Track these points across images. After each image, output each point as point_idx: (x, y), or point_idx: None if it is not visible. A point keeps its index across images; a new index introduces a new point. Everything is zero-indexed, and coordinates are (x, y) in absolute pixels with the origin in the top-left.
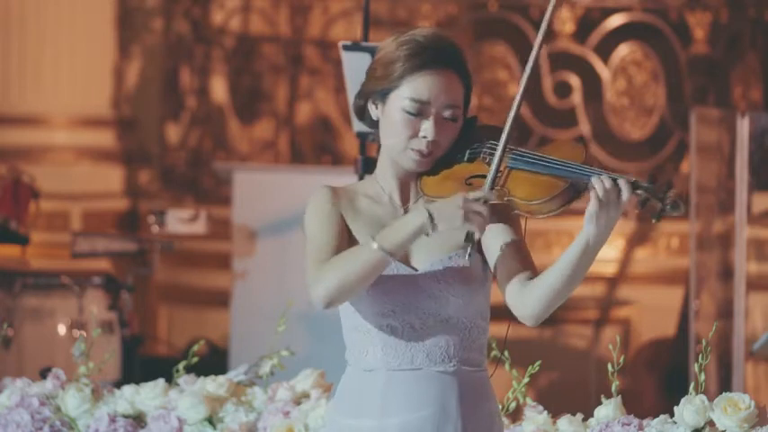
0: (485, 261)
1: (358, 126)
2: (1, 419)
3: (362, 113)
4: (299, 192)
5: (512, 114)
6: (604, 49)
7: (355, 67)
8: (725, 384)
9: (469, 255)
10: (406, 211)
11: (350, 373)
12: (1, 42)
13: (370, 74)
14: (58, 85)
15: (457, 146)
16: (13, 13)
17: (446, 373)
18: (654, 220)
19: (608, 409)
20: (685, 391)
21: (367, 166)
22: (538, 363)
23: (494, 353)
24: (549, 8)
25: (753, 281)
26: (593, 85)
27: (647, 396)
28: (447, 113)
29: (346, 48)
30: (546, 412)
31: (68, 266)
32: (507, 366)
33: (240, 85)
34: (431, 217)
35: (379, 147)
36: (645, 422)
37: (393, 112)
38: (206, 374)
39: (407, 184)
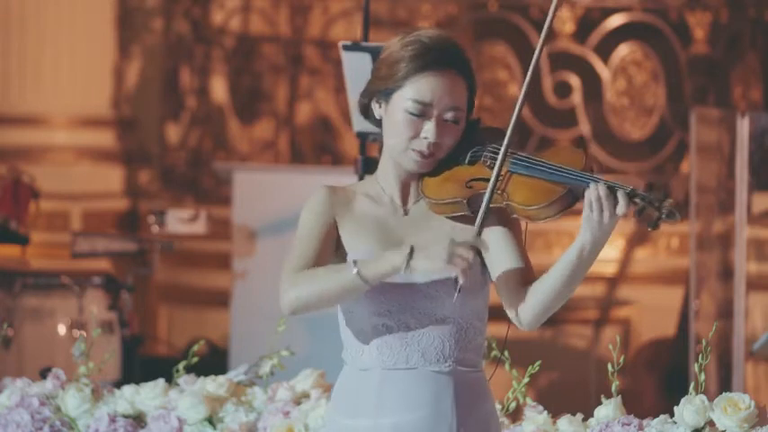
0: (484, 263)
1: (358, 126)
2: (1, 419)
3: (367, 112)
4: (299, 192)
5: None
6: (604, 49)
7: (355, 67)
8: (725, 384)
9: (455, 298)
10: (406, 212)
11: (346, 372)
12: (1, 42)
13: (374, 73)
14: (58, 85)
15: (459, 148)
16: (13, 13)
17: (441, 372)
18: (650, 228)
19: (608, 409)
20: (685, 391)
21: (367, 166)
22: (538, 363)
23: (494, 353)
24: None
25: (753, 281)
26: (593, 85)
27: (647, 396)
28: (449, 115)
29: (346, 48)
30: (546, 412)
31: (68, 266)
32: (507, 366)
33: (240, 85)
34: (410, 256)
35: (381, 147)
36: (645, 422)
37: (396, 113)
38: (206, 374)
39: (408, 184)
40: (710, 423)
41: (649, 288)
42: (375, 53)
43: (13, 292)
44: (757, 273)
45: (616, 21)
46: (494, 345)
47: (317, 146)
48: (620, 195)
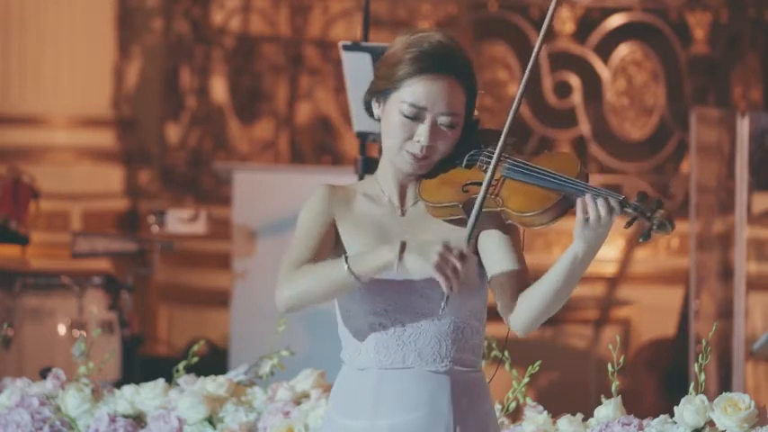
0: (482, 264)
1: (358, 126)
2: (1, 419)
3: (370, 110)
4: (299, 192)
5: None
6: (604, 49)
7: (355, 67)
8: (725, 384)
9: (442, 309)
10: (403, 213)
11: (345, 371)
12: (1, 42)
13: (375, 72)
14: (58, 85)
15: (458, 150)
16: (13, 13)
17: (438, 372)
18: (641, 240)
19: (608, 409)
20: (685, 391)
21: (367, 166)
22: (538, 363)
23: (494, 353)
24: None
25: (753, 281)
26: (593, 85)
27: (647, 396)
28: (443, 120)
29: (346, 48)
30: (546, 412)
31: (68, 266)
32: (507, 366)
33: (240, 85)
34: (402, 252)
35: (381, 147)
36: (645, 422)
37: (391, 114)
38: (206, 374)
39: (406, 186)
40: (710, 423)
41: (649, 288)
42: (375, 53)
43: (13, 292)
44: (757, 273)
45: (616, 21)
46: (494, 345)
47: (317, 146)
48: (612, 204)
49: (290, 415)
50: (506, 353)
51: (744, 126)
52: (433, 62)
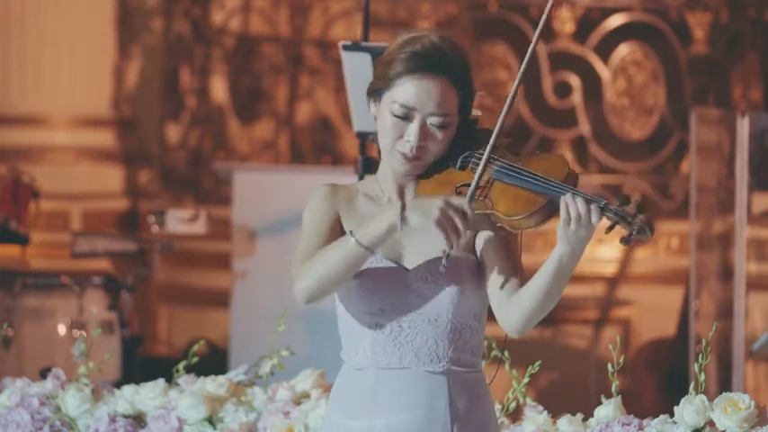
0: (480, 264)
1: (358, 126)
2: (1, 419)
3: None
4: (299, 192)
5: (494, 134)
6: (604, 49)
7: (355, 67)
8: (725, 384)
9: (443, 266)
10: None
11: (344, 371)
12: (1, 42)
13: (373, 71)
14: (58, 85)
15: (455, 151)
16: (13, 13)
17: (435, 373)
18: (622, 244)
19: (608, 409)
20: (685, 391)
21: (367, 166)
22: (538, 363)
23: (494, 353)
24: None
25: (753, 281)
26: (593, 85)
27: (647, 396)
28: (434, 120)
29: (346, 48)
30: (546, 412)
31: (68, 266)
32: (507, 366)
33: (240, 85)
34: (403, 212)
35: (379, 147)
36: (645, 422)
37: (384, 113)
38: (206, 374)
39: (405, 186)
40: (710, 423)
41: (649, 288)
42: (375, 53)
43: (13, 292)
44: (757, 273)
45: (616, 21)
46: (494, 345)
47: (317, 146)
48: (593, 209)
49: (290, 415)
50: (506, 353)
51: (744, 126)
52: (424, 62)
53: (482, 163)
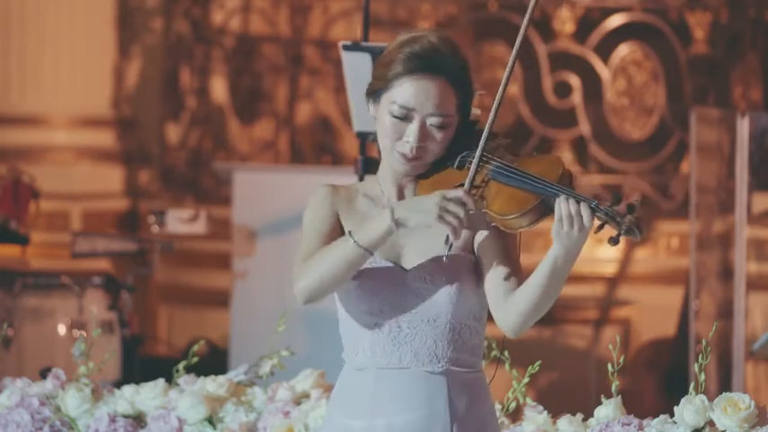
0: (479, 264)
1: (358, 126)
2: (1, 419)
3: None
4: (299, 192)
5: (485, 133)
6: (604, 49)
7: (355, 67)
8: (725, 384)
9: (447, 256)
10: None
11: (345, 371)
12: (1, 42)
13: (372, 72)
14: (58, 85)
15: (454, 151)
16: (13, 13)
17: (434, 373)
18: (609, 244)
19: (608, 409)
20: (685, 391)
21: (367, 166)
22: (538, 363)
23: (494, 353)
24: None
25: (753, 281)
26: (593, 85)
27: (647, 396)
28: (433, 121)
29: (346, 48)
30: (546, 412)
31: (68, 266)
32: (507, 366)
33: (240, 85)
34: (393, 216)
35: (379, 148)
36: (645, 422)
37: (383, 114)
38: (206, 374)
39: (404, 186)
40: (710, 423)
41: (649, 288)
42: (375, 53)
43: (13, 292)
44: (757, 273)
45: (616, 21)
46: (494, 345)
47: (317, 146)
48: (583, 209)
49: (290, 415)
50: (506, 353)
51: (744, 126)
52: (422, 63)
53: (474, 161)
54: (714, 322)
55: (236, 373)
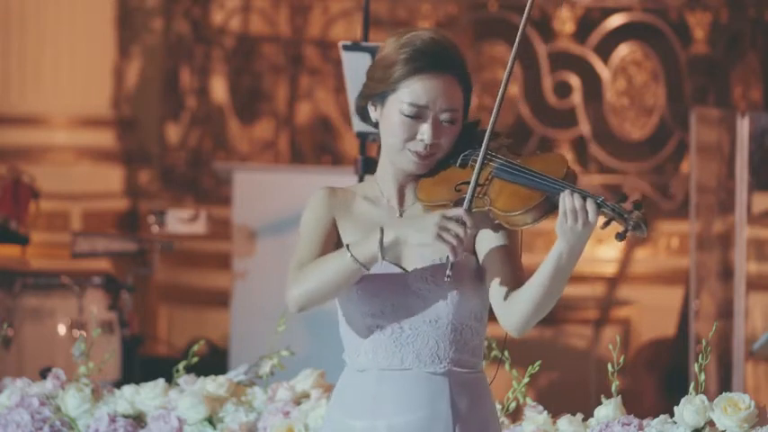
0: (480, 264)
1: (358, 126)
2: (1, 419)
3: (364, 114)
4: (299, 192)
5: (488, 130)
6: (604, 49)
7: (355, 67)
8: (725, 384)
9: (448, 276)
10: (401, 214)
11: (345, 373)
12: (1, 42)
13: (369, 75)
14: (58, 85)
15: (456, 150)
16: (13, 13)
17: (436, 374)
18: (617, 240)
19: (608, 409)
20: (685, 391)
21: (367, 166)
22: (538, 363)
23: (494, 353)
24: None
25: (753, 281)
26: (593, 85)
27: (647, 396)
28: (445, 117)
29: (346, 48)
30: (546, 412)
31: (68, 266)
32: (507, 366)
33: (240, 85)
34: (381, 243)
35: (380, 148)
36: (645, 422)
37: (391, 115)
38: (206, 374)
39: (405, 186)
40: (710, 423)
41: (649, 288)
42: (375, 53)
43: (13, 292)
44: (757, 273)
45: (616, 21)
46: (494, 345)
47: (317, 146)
48: (589, 205)
49: (290, 415)
50: (506, 353)
51: (744, 126)
52: (428, 60)
53: (479, 160)
54: (714, 322)
55: (236, 373)
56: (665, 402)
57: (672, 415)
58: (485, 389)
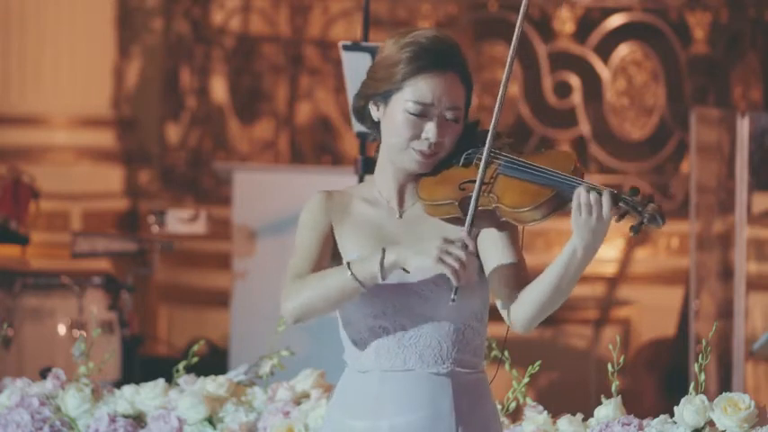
0: (482, 265)
1: (358, 126)
2: (1, 419)
3: (362, 114)
4: (299, 192)
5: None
6: (604, 49)
7: (355, 67)
8: (725, 384)
9: (453, 299)
10: (401, 215)
11: (347, 373)
12: (1, 42)
13: (370, 75)
14: (58, 85)
15: (457, 148)
16: (13, 13)
17: (439, 374)
18: (632, 233)
19: (608, 409)
20: (685, 391)
21: (367, 166)
22: (538, 363)
23: (494, 353)
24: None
25: (753, 281)
26: (593, 85)
27: (647, 396)
28: (449, 115)
29: (346, 48)
30: (546, 412)
31: (68, 266)
32: (507, 366)
33: (240, 85)
34: (382, 264)
35: (378, 148)
36: (645, 422)
37: (395, 114)
38: (206, 374)
39: (405, 187)
40: (710, 423)
41: (649, 288)
42: (375, 53)
43: (13, 292)
44: (757, 273)
45: (616, 21)
46: (494, 345)
47: (317, 146)
48: (604, 198)
49: (290, 415)
50: (506, 353)
51: (744, 126)
52: (432, 58)
53: (485, 156)
54: (714, 322)
55: (236, 373)
56: (665, 402)
57: (672, 415)
58: (486, 389)
